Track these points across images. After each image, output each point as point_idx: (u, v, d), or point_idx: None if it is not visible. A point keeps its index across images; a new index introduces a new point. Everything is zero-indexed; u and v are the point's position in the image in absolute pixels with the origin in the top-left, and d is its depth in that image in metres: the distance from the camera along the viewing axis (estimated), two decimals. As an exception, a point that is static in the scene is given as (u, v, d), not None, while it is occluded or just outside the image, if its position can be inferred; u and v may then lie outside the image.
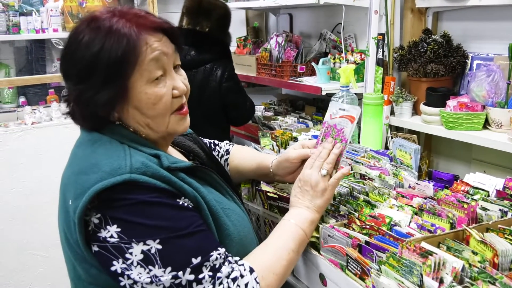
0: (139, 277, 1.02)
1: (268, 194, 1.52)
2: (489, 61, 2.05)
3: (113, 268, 1.03)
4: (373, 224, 1.34)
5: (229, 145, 1.70)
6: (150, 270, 1.01)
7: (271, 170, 1.54)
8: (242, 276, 1.07)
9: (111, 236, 1.02)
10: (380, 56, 2.36)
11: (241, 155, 1.65)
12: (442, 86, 2.17)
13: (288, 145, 2.09)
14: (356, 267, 1.22)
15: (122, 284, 1.04)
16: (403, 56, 2.26)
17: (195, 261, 1.03)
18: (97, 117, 1.14)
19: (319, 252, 1.37)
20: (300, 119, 3.03)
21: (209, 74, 2.67)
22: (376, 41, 2.33)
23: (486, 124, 1.96)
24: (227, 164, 1.64)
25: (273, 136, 2.25)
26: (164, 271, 1.01)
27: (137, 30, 1.11)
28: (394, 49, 2.34)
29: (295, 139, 2.17)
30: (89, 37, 1.09)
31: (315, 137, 2.11)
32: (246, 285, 1.06)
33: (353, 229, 1.37)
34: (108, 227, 1.03)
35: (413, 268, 1.10)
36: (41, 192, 2.85)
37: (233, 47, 3.04)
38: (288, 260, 1.19)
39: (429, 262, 1.10)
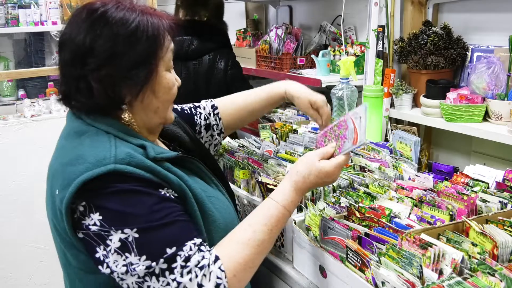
0: (116, 266, 1.05)
1: (268, 186, 1.52)
2: (490, 53, 2.05)
3: (97, 255, 1.07)
4: (372, 216, 1.34)
5: (210, 101, 1.70)
6: (127, 257, 1.04)
7: (285, 94, 1.65)
8: (209, 265, 1.08)
9: (94, 224, 1.05)
10: (380, 48, 2.35)
11: (239, 97, 1.71)
12: (442, 78, 2.17)
13: (288, 137, 2.08)
14: (356, 259, 1.22)
15: (102, 272, 1.08)
16: (403, 48, 2.25)
17: (169, 251, 1.05)
18: (109, 99, 1.14)
19: (319, 244, 1.37)
20: (300, 112, 3.03)
21: (213, 64, 2.66)
22: (376, 33, 2.32)
23: (486, 116, 1.96)
24: (220, 118, 1.66)
25: (272, 128, 2.24)
26: (139, 259, 1.04)
27: (160, 20, 1.19)
28: (394, 41, 2.33)
29: (295, 131, 2.17)
30: (123, 15, 1.13)
31: (315, 129, 2.11)
32: (210, 273, 1.07)
33: (353, 221, 1.37)
34: (91, 214, 1.06)
35: (413, 260, 1.10)
36: (40, 184, 2.82)
37: (232, 40, 3.04)
38: (261, 248, 1.16)
39: (429, 253, 1.10)
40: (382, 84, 2.32)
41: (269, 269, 1.56)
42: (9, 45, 3.73)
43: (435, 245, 1.12)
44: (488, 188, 1.53)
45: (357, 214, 1.38)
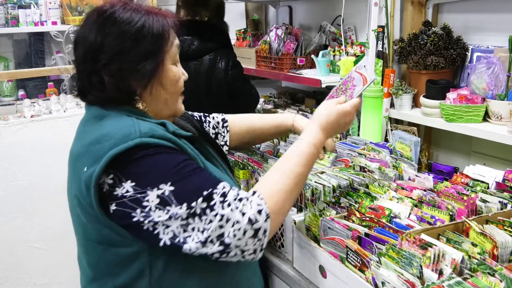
0: (159, 218, 1.11)
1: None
2: (489, 53, 2.05)
3: (134, 219, 1.12)
4: (373, 216, 1.34)
5: (221, 114, 1.80)
6: (168, 211, 1.11)
7: (292, 127, 1.72)
8: (247, 198, 1.15)
9: (127, 191, 1.12)
10: (380, 48, 2.35)
11: (249, 118, 1.82)
12: (442, 79, 2.17)
13: (288, 137, 2.09)
14: (356, 259, 1.22)
15: (144, 228, 1.13)
16: (403, 49, 2.25)
17: (205, 192, 1.13)
18: (120, 92, 1.22)
19: (319, 244, 1.37)
20: (300, 112, 3.03)
21: (214, 64, 2.66)
22: (376, 33, 2.32)
23: (486, 117, 1.96)
24: (228, 131, 1.76)
25: (272, 128, 2.24)
26: (180, 208, 1.11)
27: (165, 18, 1.28)
28: (394, 42, 2.33)
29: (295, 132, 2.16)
30: (130, 15, 1.23)
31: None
32: (251, 202, 1.14)
33: (353, 221, 1.38)
34: (123, 184, 1.13)
35: (413, 260, 1.10)
36: (40, 185, 2.85)
37: (232, 40, 3.03)
38: (297, 180, 1.26)
39: (429, 253, 1.10)
40: (382, 84, 2.32)
41: (269, 269, 1.56)
42: (9, 45, 3.72)
43: (435, 245, 1.12)
44: (488, 188, 1.54)
45: (357, 214, 1.38)
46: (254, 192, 1.18)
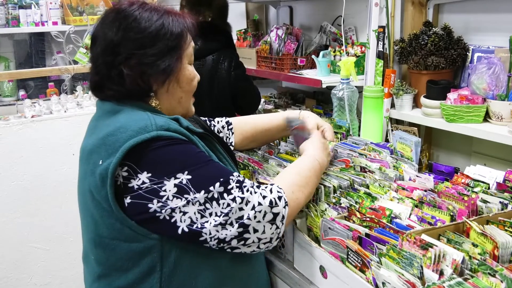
0: (176, 205, 1.14)
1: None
2: (490, 53, 2.04)
3: (151, 210, 1.15)
4: (373, 216, 1.34)
5: (225, 118, 1.83)
6: (186, 198, 1.14)
7: (299, 114, 1.81)
8: (266, 186, 1.23)
9: (143, 183, 1.15)
10: (380, 48, 2.35)
11: (254, 117, 1.90)
12: (442, 79, 2.17)
13: (288, 137, 2.09)
14: (357, 259, 1.22)
15: (161, 218, 1.15)
16: (403, 49, 2.25)
17: (222, 178, 1.18)
18: (138, 86, 1.25)
19: (319, 245, 1.37)
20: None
21: (217, 64, 2.66)
22: (376, 33, 2.32)
23: (487, 117, 1.95)
24: (232, 133, 1.80)
25: (273, 129, 2.24)
26: (199, 193, 1.15)
27: (183, 18, 1.33)
28: (394, 42, 2.33)
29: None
30: (150, 14, 1.27)
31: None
32: (271, 189, 1.22)
33: (354, 222, 1.37)
34: (138, 175, 1.15)
35: (413, 260, 1.10)
36: (41, 185, 2.85)
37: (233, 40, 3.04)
38: (308, 181, 1.38)
39: (429, 254, 1.10)
40: (382, 85, 2.32)
41: (269, 269, 1.56)
42: (9, 45, 3.73)
43: (436, 246, 1.12)
44: (488, 188, 1.53)
45: (358, 215, 1.38)
46: (271, 184, 1.25)
